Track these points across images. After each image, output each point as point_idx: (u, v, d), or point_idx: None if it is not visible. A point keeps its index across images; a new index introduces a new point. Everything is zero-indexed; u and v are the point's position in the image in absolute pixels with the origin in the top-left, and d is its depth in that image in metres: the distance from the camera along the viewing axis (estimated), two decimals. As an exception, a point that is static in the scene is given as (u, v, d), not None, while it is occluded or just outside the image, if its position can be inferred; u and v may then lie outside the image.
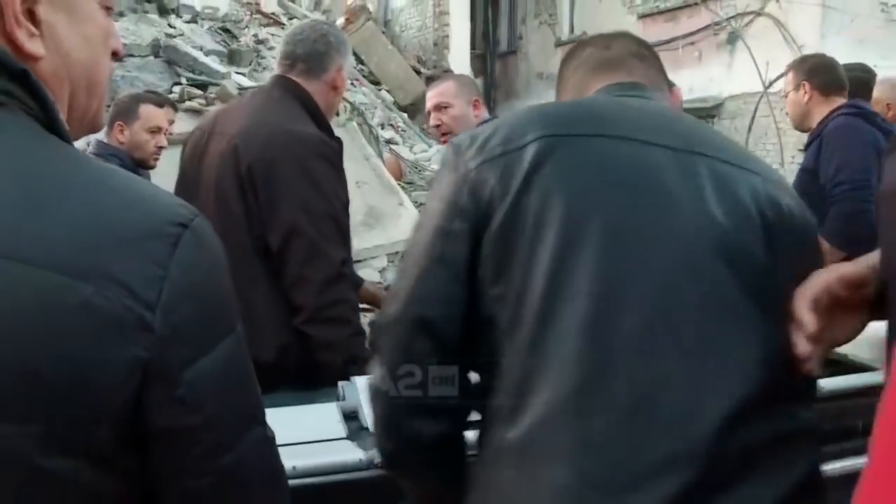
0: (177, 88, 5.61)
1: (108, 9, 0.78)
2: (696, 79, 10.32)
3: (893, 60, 7.83)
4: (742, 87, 9.55)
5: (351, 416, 1.52)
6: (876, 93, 3.43)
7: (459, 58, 11.41)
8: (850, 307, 1.00)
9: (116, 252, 0.65)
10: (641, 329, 0.91)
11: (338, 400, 1.59)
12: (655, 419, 0.89)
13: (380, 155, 5.79)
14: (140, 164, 3.04)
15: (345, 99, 6.03)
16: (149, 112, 3.04)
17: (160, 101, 3.29)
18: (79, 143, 3.33)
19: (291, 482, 1.00)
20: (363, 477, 1.36)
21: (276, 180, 1.97)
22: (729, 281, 0.94)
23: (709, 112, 10.12)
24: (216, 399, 0.70)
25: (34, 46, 0.70)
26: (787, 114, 3.36)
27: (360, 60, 10.60)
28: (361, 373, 1.79)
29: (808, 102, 3.03)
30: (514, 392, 0.93)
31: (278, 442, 0.88)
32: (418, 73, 10.86)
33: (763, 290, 0.96)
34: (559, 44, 12.66)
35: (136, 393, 0.66)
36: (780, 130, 8.80)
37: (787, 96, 3.18)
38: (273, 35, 9.53)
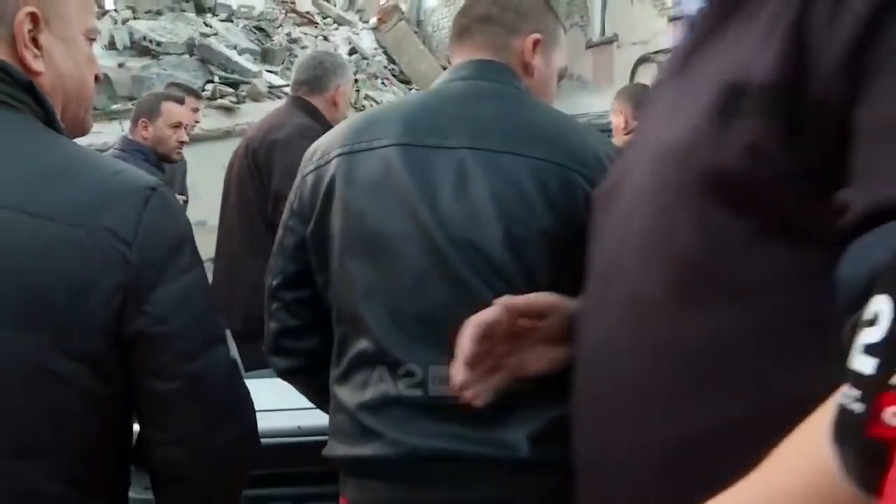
0: (209, 86, 5.82)
1: (91, 39, 1.04)
2: (725, 82, 10.32)
3: None
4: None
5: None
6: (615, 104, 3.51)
7: (490, 58, 11.53)
8: (537, 337, 1.00)
9: (103, 208, 0.92)
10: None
11: None
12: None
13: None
14: (164, 159, 3.23)
15: (372, 99, 6.20)
16: (170, 109, 3.26)
17: (180, 97, 3.48)
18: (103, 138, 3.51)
19: (297, 439, 1.51)
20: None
21: (272, 160, 2.45)
22: (460, 264, 1.16)
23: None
24: (179, 316, 0.95)
25: (38, 65, 0.96)
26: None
27: (391, 60, 10.75)
28: None
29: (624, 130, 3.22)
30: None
31: (288, 406, 1.46)
32: (449, 72, 10.99)
33: (498, 273, 1.16)
34: (590, 45, 12.70)
35: (119, 308, 0.91)
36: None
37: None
38: (306, 34, 9.73)
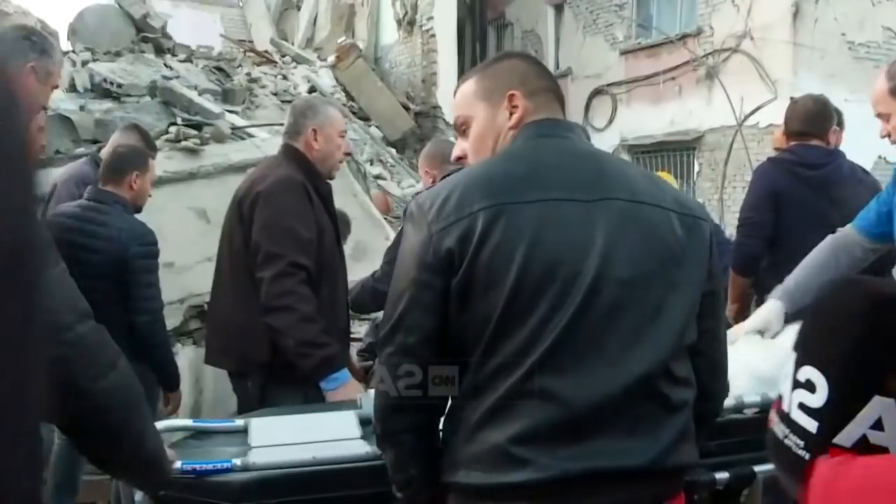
0: (172, 129, 5.85)
1: (54, 87, 1.22)
2: (677, 112, 10.64)
3: (861, 94, 8.15)
4: (721, 120, 9.85)
5: (366, 422, 1.83)
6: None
7: (447, 94, 11.71)
8: None
9: None
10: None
11: (357, 408, 1.96)
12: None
13: (367, 191, 6.03)
14: (138, 211, 3.27)
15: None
16: (154, 164, 3.36)
17: (153, 154, 3.62)
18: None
19: (313, 469, 1.70)
20: (369, 466, 1.68)
21: (254, 213, 2.51)
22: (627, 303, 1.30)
23: (689, 144, 10.43)
24: (54, 297, 1.23)
25: None
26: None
27: (350, 97, 10.89)
28: (318, 356, 2.40)
29: (783, 144, 3.46)
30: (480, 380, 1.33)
31: (306, 440, 1.74)
32: (407, 109, 11.16)
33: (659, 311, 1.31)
34: (545, 79, 12.98)
35: None
36: (752, 162, 9.09)
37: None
38: (265, 73, 9.83)
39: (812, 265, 2.43)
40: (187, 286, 5.24)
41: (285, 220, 2.48)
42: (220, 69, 9.17)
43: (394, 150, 9.67)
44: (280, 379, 2.48)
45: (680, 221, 1.36)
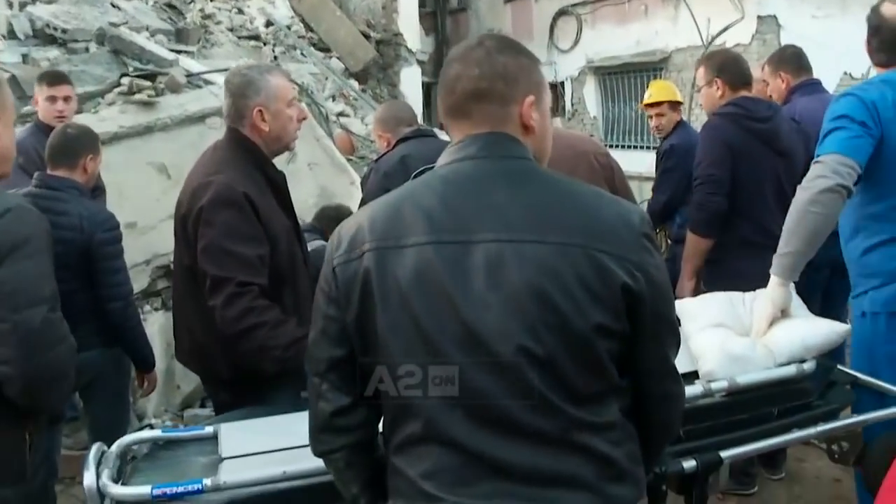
0: (125, 80, 5.62)
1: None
2: (642, 32, 10.46)
3: (828, 10, 8.06)
4: (687, 40, 9.71)
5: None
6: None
7: (408, 20, 11.40)
8: None
9: None
10: None
11: None
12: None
13: (329, 134, 5.89)
14: (92, 194, 3.18)
15: (293, 81, 6.11)
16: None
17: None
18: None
19: (284, 487, 1.70)
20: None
21: (198, 232, 2.36)
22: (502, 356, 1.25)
23: (655, 65, 10.30)
24: (8, 286, 1.70)
25: None
26: (700, 106, 3.62)
27: (308, 28, 10.54)
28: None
29: (720, 98, 3.27)
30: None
31: (277, 447, 1.80)
32: (368, 37, 10.84)
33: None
34: (508, 0, 12.67)
35: None
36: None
37: (699, 91, 3.41)
38: (220, 9, 9.43)
39: (804, 230, 2.33)
40: (152, 246, 5.15)
41: (227, 242, 2.32)
42: (171, 6, 8.78)
43: (356, 83, 9.43)
44: (245, 391, 2.42)
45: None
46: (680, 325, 1.75)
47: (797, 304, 2.35)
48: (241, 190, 2.36)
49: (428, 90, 11.92)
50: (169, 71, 5.85)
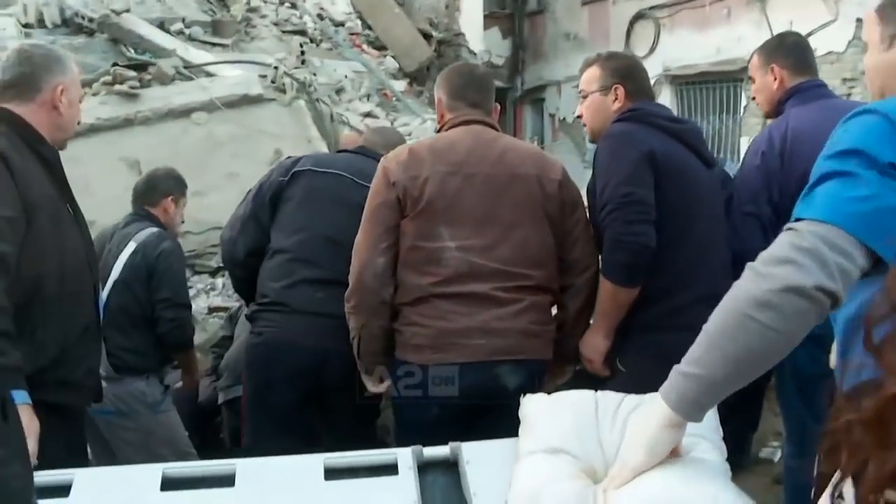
0: (112, 70, 5.32)
1: None
2: (724, 38, 9.55)
3: None
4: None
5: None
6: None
7: (472, 19, 10.83)
8: None
9: None
10: None
11: None
12: None
13: (326, 135, 5.41)
14: None
15: (293, 77, 5.65)
16: None
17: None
18: None
19: None
20: None
21: None
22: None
23: (736, 75, 9.33)
24: None
25: None
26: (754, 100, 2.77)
27: (367, 25, 10.16)
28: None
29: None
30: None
31: None
32: (429, 37, 10.34)
33: None
34: (585, 2, 11.93)
35: None
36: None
37: (754, 81, 2.68)
38: (267, 2, 9.15)
39: (734, 347, 1.22)
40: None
41: None
42: (218, -3, 8.54)
43: (402, 84, 8.93)
44: None
45: None
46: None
47: (699, 440, 1.47)
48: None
49: (503, 95, 11.30)
50: (159, 61, 5.50)
